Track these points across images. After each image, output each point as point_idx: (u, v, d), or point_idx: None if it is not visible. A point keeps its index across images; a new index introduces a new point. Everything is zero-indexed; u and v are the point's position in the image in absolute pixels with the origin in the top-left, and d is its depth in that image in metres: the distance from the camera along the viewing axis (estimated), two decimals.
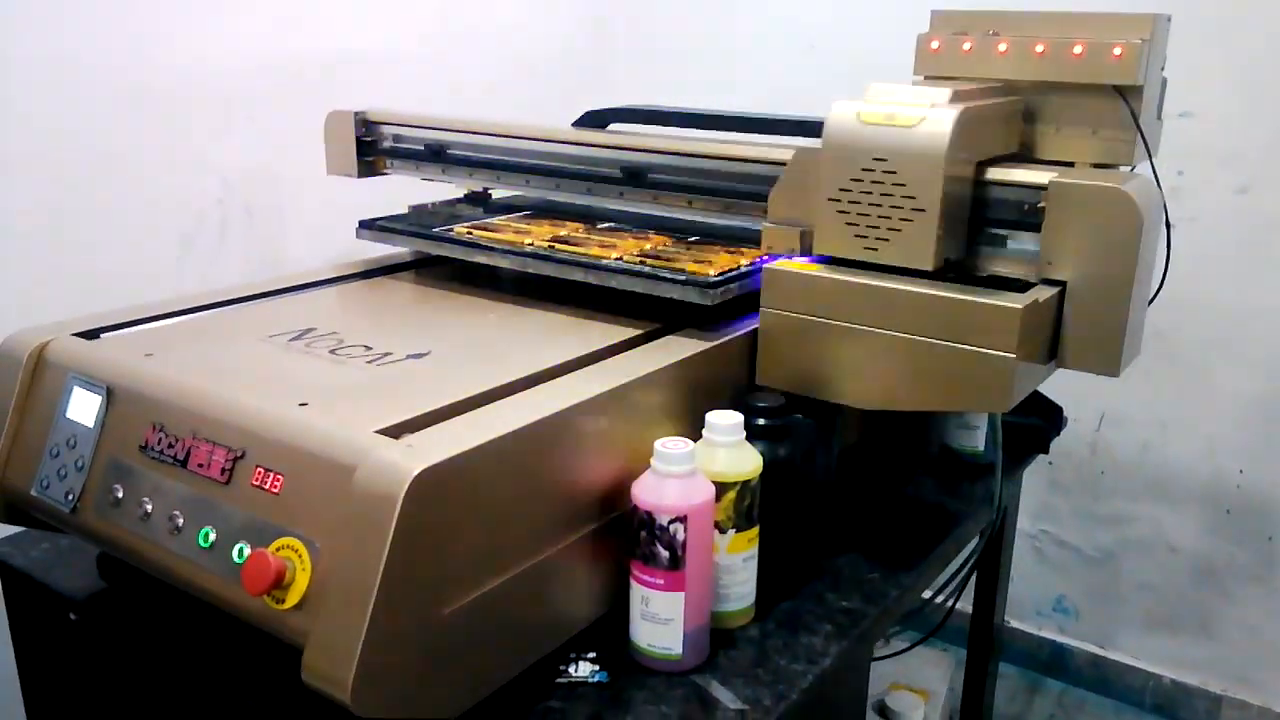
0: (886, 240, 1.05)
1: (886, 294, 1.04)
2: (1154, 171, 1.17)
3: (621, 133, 1.43)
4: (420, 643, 0.79)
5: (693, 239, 1.31)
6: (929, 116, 1.02)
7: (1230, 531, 1.93)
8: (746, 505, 1.01)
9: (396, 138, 1.56)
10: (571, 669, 0.97)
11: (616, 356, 1.06)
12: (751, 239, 1.28)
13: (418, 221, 1.39)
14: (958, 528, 1.28)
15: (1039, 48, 1.17)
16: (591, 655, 0.98)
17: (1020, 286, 1.06)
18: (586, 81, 2.36)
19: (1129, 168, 1.19)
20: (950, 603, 1.45)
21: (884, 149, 1.04)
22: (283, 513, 0.84)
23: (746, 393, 1.10)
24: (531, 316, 1.18)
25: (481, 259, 1.25)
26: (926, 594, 1.34)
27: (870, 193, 1.05)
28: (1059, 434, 1.56)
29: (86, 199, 1.55)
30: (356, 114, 1.55)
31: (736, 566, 1.03)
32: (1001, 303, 0.98)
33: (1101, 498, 2.05)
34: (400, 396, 0.91)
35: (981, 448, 1.42)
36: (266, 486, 0.85)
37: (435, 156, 1.51)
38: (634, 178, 1.38)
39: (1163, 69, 1.22)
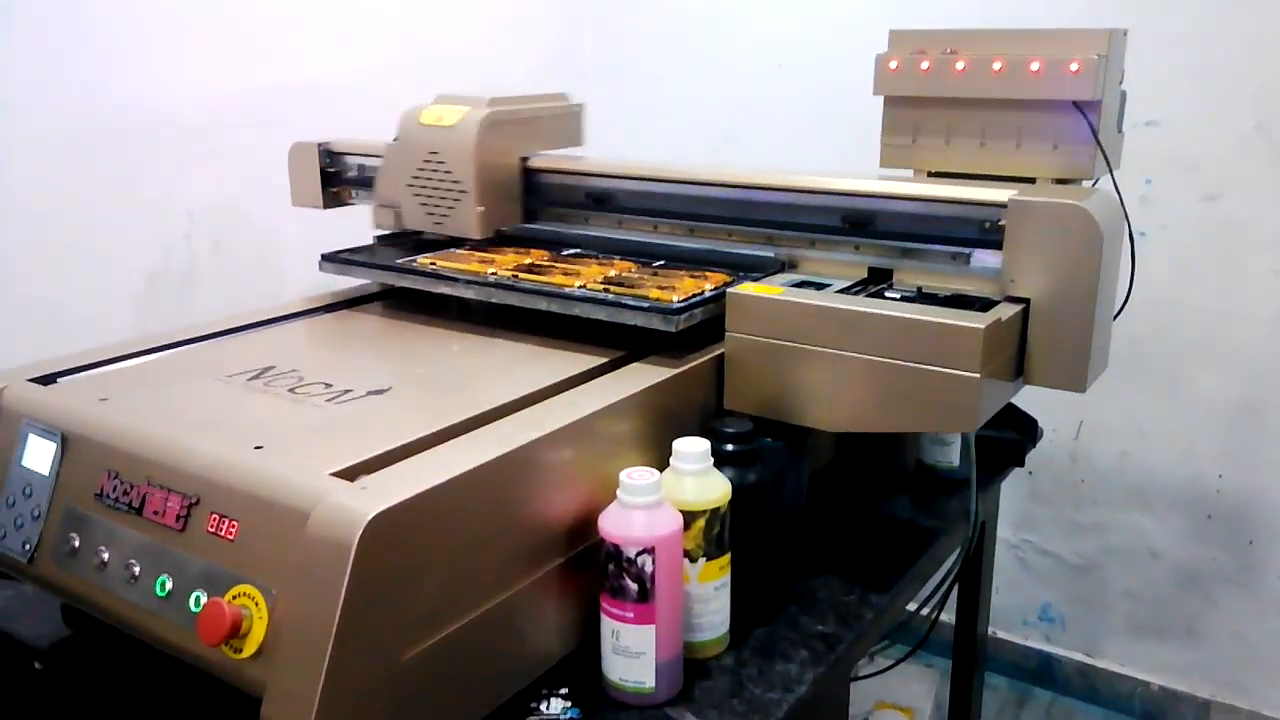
0: (448, 216, 1.36)
1: (849, 316, 1.04)
2: (1115, 185, 1.17)
3: (584, 159, 1.43)
4: (380, 690, 0.78)
5: (659, 264, 1.30)
6: (466, 118, 1.33)
7: (1212, 536, 1.93)
8: (716, 533, 1.00)
9: (361, 168, 1.55)
10: (543, 706, 0.95)
11: (581, 387, 1.05)
12: (719, 262, 1.28)
13: (381, 253, 1.38)
14: (933, 545, 1.28)
15: (996, 65, 1.17)
16: (564, 691, 0.97)
17: (984, 305, 1.06)
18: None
19: (1090, 181, 1.19)
20: (933, 617, 1.44)
21: (435, 144, 1.35)
22: (238, 560, 0.83)
23: (715, 418, 1.10)
24: (496, 347, 1.17)
25: (445, 289, 1.24)
26: (911, 607, 1.33)
27: (431, 178, 1.36)
28: (1034, 446, 1.55)
29: (49, 237, 1.54)
30: (320, 145, 1.55)
31: (709, 595, 1.02)
32: (963, 323, 0.97)
33: (1082, 506, 2.05)
34: (358, 436, 0.90)
35: (956, 463, 1.42)
36: (222, 533, 0.84)
37: None
38: (600, 203, 1.38)
39: (1121, 82, 1.23)
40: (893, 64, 1.23)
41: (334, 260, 1.35)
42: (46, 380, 1.07)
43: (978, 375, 0.97)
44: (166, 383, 1.06)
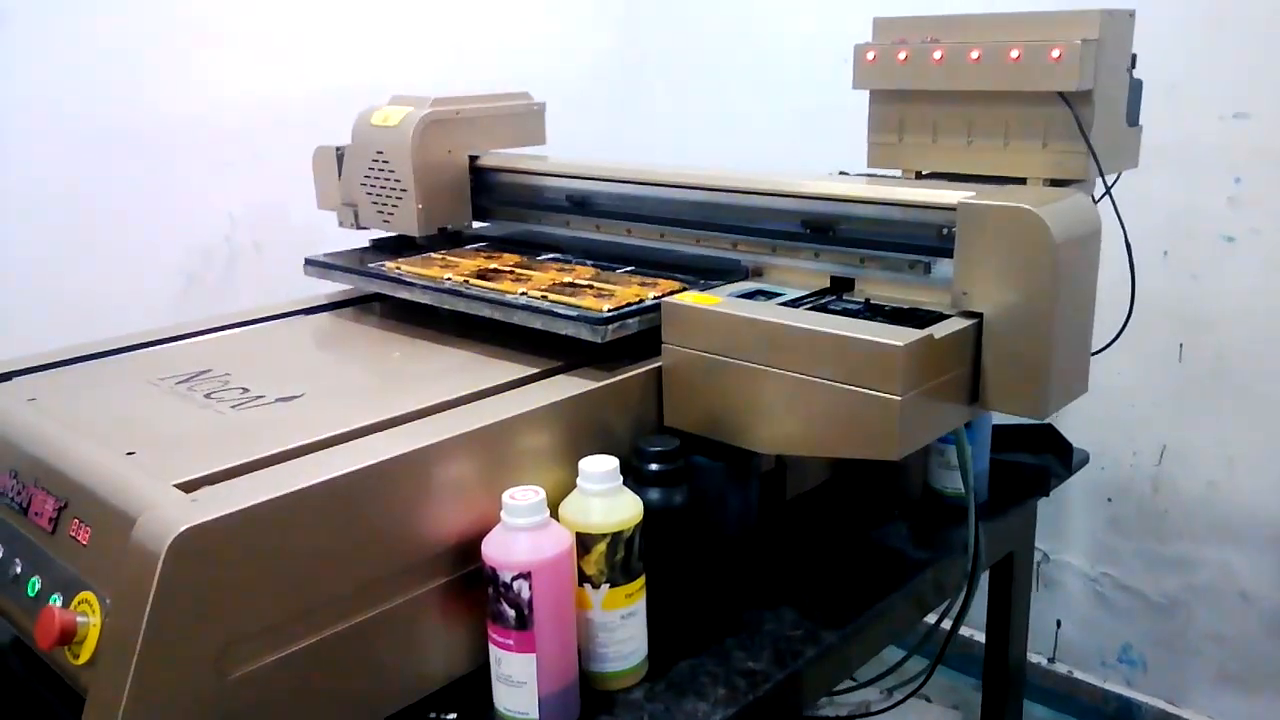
0: (393, 214, 1.38)
1: (775, 330, 0.96)
2: (1105, 185, 1.04)
3: (543, 159, 1.40)
4: (198, 706, 0.76)
5: (627, 268, 1.24)
6: (406, 118, 1.35)
7: None
8: (621, 558, 0.94)
9: None
10: None
11: (498, 396, 1.00)
12: (688, 268, 1.21)
13: (371, 256, 1.37)
14: (914, 579, 1.17)
15: (974, 54, 1.06)
16: (452, 716, 0.93)
17: (932, 320, 0.96)
18: (618, 101, 2.31)
19: (1088, 181, 1.07)
20: (934, 659, 1.33)
21: (380, 144, 1.37)
22: (88, 565, 0.82)
23: (650, 435, 1.03)
24: (438, 353, 1.15)
25: (403, 294, 1.22)
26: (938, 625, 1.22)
27: (378, 178, 1.39)
28: (1070, 474, 1.41)
29: (92, 237, 1.61)
30: (338, 149, 1.56)
31: (614, 624, 0.95)
32: (882, 339, 0.88)
33: (1166, 539, 1.85)
34: (233, 444, 0.89)
35: None
36: (79, 538, 0.84)
37: None
38: (579, 206, 1.34)
39: (1132, 69, 1.09)
40: (870, 55, 1.14)
41: (315, 264, 1.35)
42: (5, 377, 1.10)
43: (898, 398, 0.87)
44: (97, 385, 1.08)
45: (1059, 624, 2.03)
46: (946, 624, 1.26)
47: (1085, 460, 1.45)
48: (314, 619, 0.82)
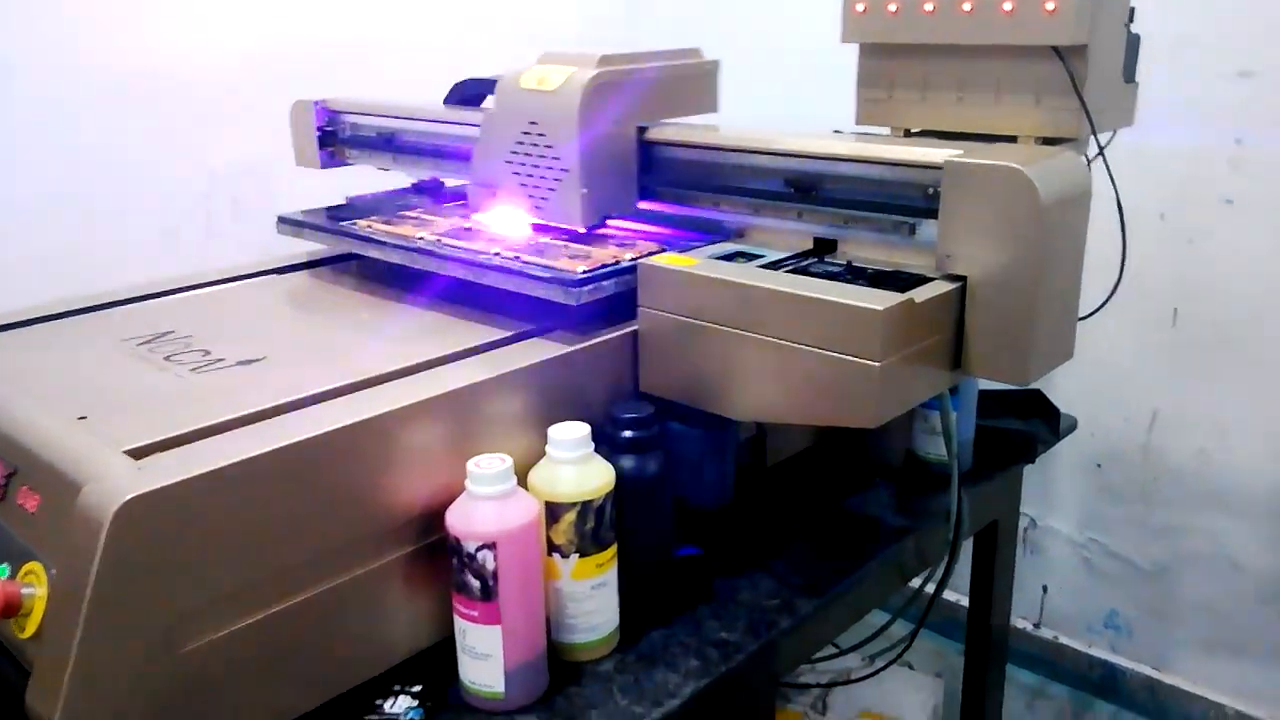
0: (547, 199, 1.12)
1: (753, 293, 0.92)
2: (1098, 144, 1.00)
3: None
4: (147, 682, 0.73)
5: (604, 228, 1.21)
6: (570, 80, 1.08)
7: None
8: (591, 527, 0.91)
9: (354, 126, 1.51)
10: (387, 704, 0.89)
11: (466, 360, 0.97)
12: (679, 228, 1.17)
13: (340, 215, 1.33)
14: (893, 546, 1.14)
15: (966, 5, 1.01)
16: (416, 689, 0.90)
17: (915, 283, 0.92)
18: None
19: (1082, 140, 1.03)
20: (914, 628, 1.31)
21: (534, 113, 1.11)
22: (35, 535, 0.79)
23: (624, 401, 1.00)
24: (409, 315, 1.11)
25: (373, 253, 1.18)
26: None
27: (530, 154, 1.12)
28: (1058, 440, 1.38)
29: (70, 189, 1.56)
30: (317, 103, 1.51)
31: (584, 594, 0.93)
32: (862, 303, 0.85)
33: (1155, 506, 1.83)
34: (190, 409, 0.85)
35: None
36: (28, 506, 0.81)
37: (386, 145, 1.45)
38: None
39: (1130, 22, 1.05)
40: (860, 6, 1.09)
41: (288, 222, 1.32)
42: None
43: (877, 364, 0.84)
44: (56, 346, 1.05)
45: (1045, 589, 2.02)
46: (931, 588, 1.24)
47: (1073, 426, 1.42)
48: (270, 591, 0.80)
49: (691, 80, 1.21)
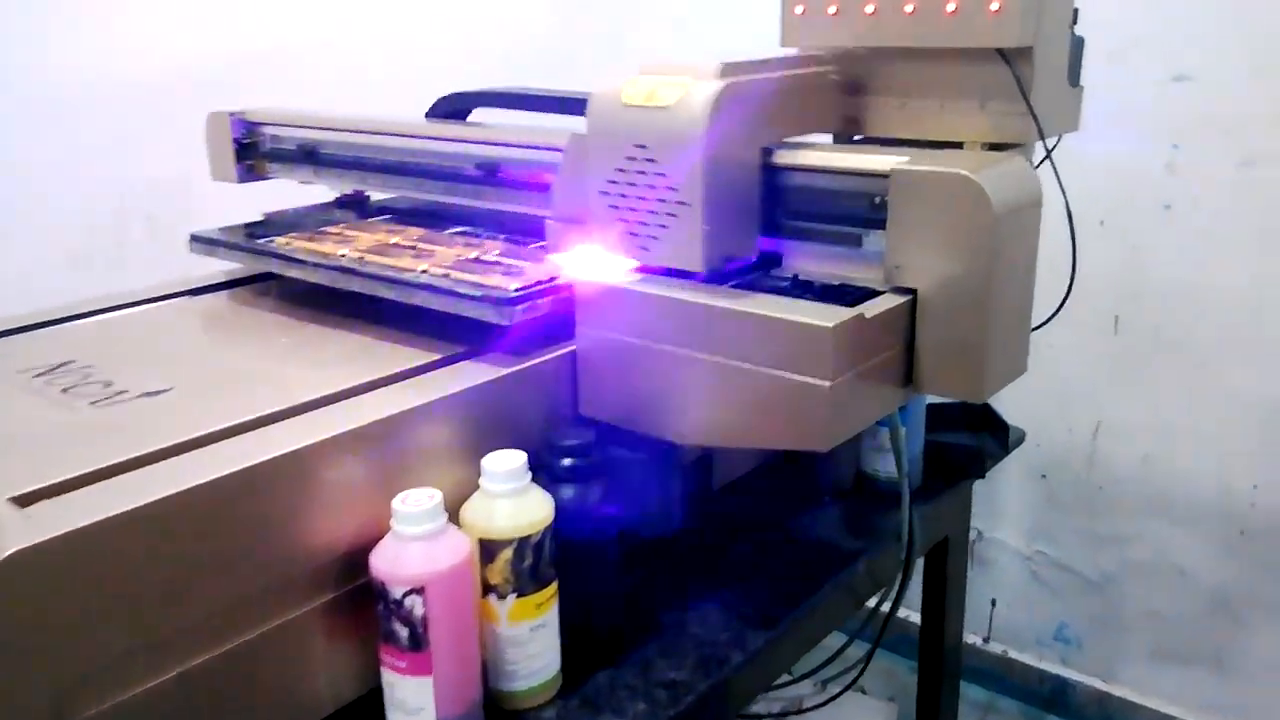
0: (656, 238, 0.92)
1: (695, 310, 0.87)
2: (1047, 150, 0.97)
3: (480, 123, 1.28)
4: None
5: (541, 243, 1.15)
6: (689, 93, 0.88)
7: (1245, 554, 1.69)
8: (529, 565, 0.85)
9: (274, 138, 1.44)
10: None
11: (391, 387, 0.91)
12: None
13: (257, 232, 1.26)
14: (846, 570, 1.10)
15: (908, 7, 0.98)
16: None
17: (864, 297, 0.88)
18: (557, 67, 2.20)
19: (1028, 145, 1.00)
20: (868, 652, 1.27)
21: (643, 134, 0.90)
22: None
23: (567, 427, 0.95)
24: (331, 339, 1.04)
25: (293, 273, 1.12)
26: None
27: (635, 184, 0.91)
28: (1007, 454, 1.35)
29: None
30: (233, 114, 1.44)
31: (523, 638, 0.87)
32: (810, 320, 0.80)
33: (1101, 515, 1.82)
34: (86, 449, 0.78)
35: None
36: None
37: (308, 158, 1.38)
38: (490, 175, 1.23)
39: (1074, 24, 1.02)
40: (799, 9, 1.05)
41: (201, 241, 1.24)
42: None
43: (827, 384, 0.80)
44: None
45: (994, 603, 1.99)
46: (885, 608, 1.20)
47: (1021, 439, 1.39)
48: (175, 649, 0.72)
49: (819, 93, 1.03)
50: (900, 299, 0.86)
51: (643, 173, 0.90)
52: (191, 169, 1.64)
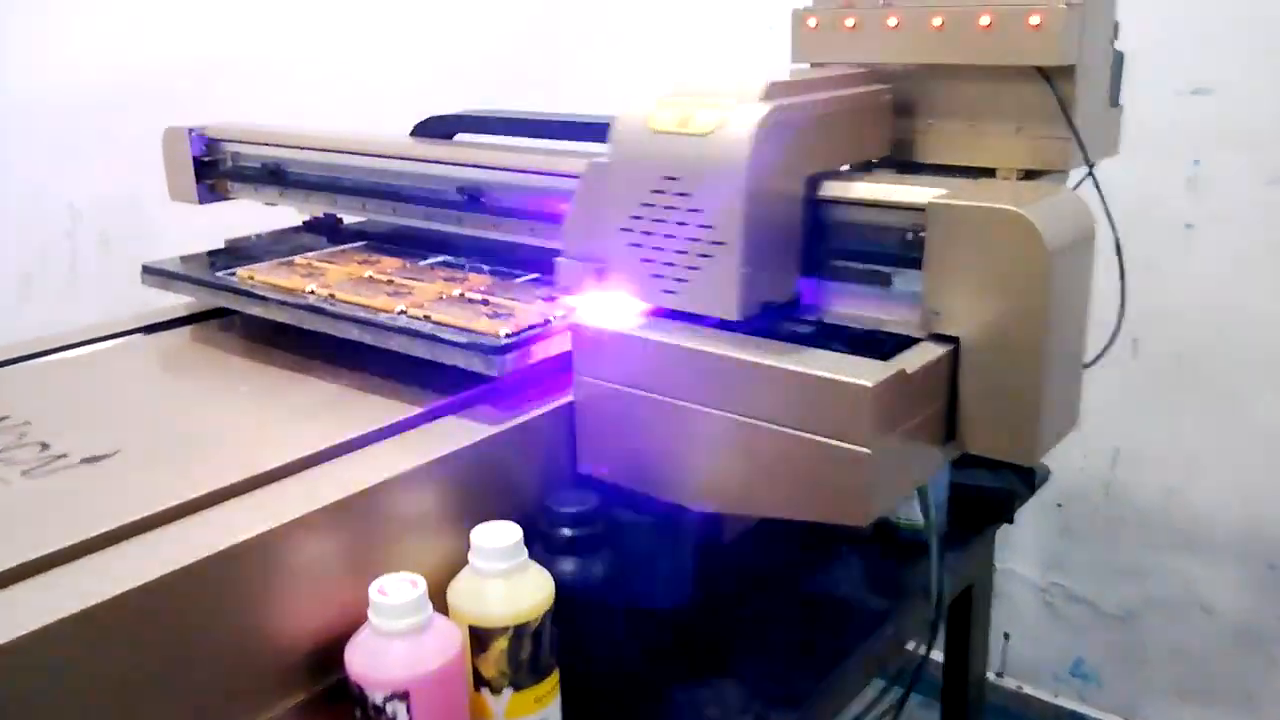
0: (685, 280, 0.80)
1: (708, 361, 0.77)
2: (1094, 180, 0.88)
3: (464, 144, 1.18)
4: None
5: (531, 276, 1.05)
6: (729, 119, 0.76)
7: (1275, 590, 1.60)
8: (528, 656, 0.75)
9: (237, 156, 1.33)
10: None
11: (367, 450, 0.81)
12: None
13: (218, 262, 1.15)
14: (875, 634, 1.01)
15: (936, 20, 0.88)
16: None
17: (899, 345, 0.78)
18: (534, 81, 2.10)
19: (1074, 173, 0.91)
20: (899, 700, 1.17)
21: (675, 164, 0.78)
22: None
23: (562, 490, 0.85)
24: (299, 387, 0.94)
25: (255, 310, 1.01)
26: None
27: (664, 220, 0.80)
28: (1033, 494, 1.26)
29: None
30: (192, 130, 1.33)
31: None
32: (847, 377, 0.70)
33: (1120, 548, 1.73)
34: (15, 533, 0.67)
35: (922, 520, 1.13)
36: None
37: (273, 178, 1.28)
38: (473, 200, 1.13)
39: (1115, 39, 0.93)
40: (812, 21, 0.96)
41: (154, 273, 1.13)
42: None
43: (866, 450, 0.70)
44: None
45: (1007, 636, 1.90)
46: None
47: (1047, 478, 1.30)
48: None
49: (873, 114, 0.92)
50: (941, 349, 0.77)
51: (673, 208, 0.79)
52: (146, 185, 1.54)
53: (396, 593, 0.69)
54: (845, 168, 0.90)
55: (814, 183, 0.84)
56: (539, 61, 2.10)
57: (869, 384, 0.69)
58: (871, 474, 0.70)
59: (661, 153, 0.79)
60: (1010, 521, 1.21)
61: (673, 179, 0.79)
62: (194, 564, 0.64)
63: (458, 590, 0.76)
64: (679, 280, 0.81)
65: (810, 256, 0.85)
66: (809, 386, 0.72)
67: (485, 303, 0.96)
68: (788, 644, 0.97)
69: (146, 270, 1.14)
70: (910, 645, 1.11)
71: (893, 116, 0.94)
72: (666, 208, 0.80)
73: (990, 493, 1.22)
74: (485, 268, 1.08)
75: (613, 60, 2.06)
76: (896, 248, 0.81)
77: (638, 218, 0.82)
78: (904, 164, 0.98)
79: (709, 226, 0.77)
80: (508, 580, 0.75)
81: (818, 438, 0.72)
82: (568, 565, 0.80)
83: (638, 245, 0.82)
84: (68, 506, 0.72)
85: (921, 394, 0.75)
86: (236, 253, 1.20)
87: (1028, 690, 1.90)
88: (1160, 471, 1.66)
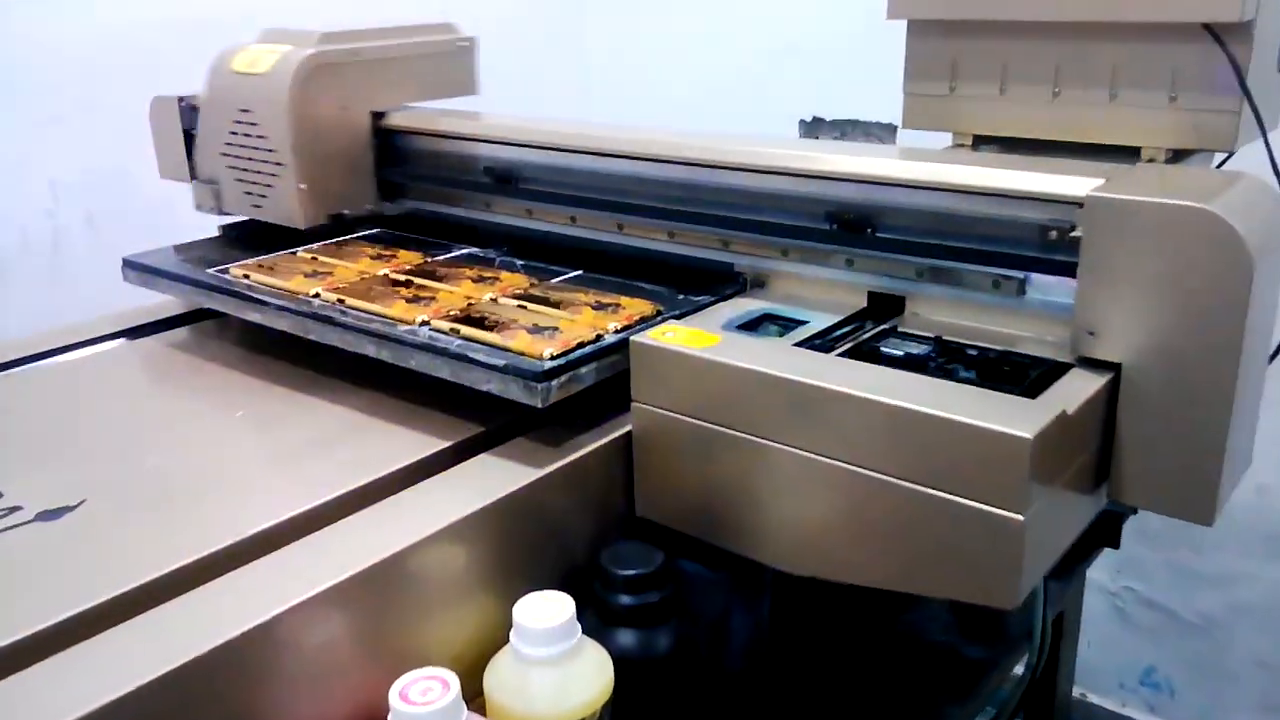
0: (265, 196, 1.00)
1: (808, 393, 0.62)
2: (1273, 161, 0.72)
3: (487, 121, 1.03)
4: None
5: (573, 274, 0.90)
6: (279, 62, 0.97)
7: None
8: None
9: None
10: None
11: (385, 503, 0.66)
12: (658, 273, 0.87)
13: (210, 255, 1.00)
14: (978, 689, 0.87)
15: None
16: None
17: (1042, 374, 0.63)
18: (541, 48, 1.92)
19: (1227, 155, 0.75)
20: None
21: (245, 99, 0.99)
22: None
23: (617, 543, 0.70)
24: (304, 411, 0.79)
25: (251, 316, 0.86)
26: None
27: (245, 145, 1.01)
28: (1135, 512, 1.11)
29: None
30: (182, 99, 1.17)
31: None
32: (997, 426, 0.55)
33: (1204, 551, 1.59)
34: None
35: None
36: None
37: None
38: (503, 183, 0.98)
39: None
40: None
41: (136, 267, 0.98)
42: None
43: (1021, 517, 0.55)
44: None
45: None
46: None
47: None
48: None
49: (437, 59, 1.09)
50: (1099, 379, 0.61)
51: (249, 135, 0.99)
52: (136, 157, 1.39)
53: (423, 695, 0.55)
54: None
55: (379, 115, 1.04)
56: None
57: (1028, 435, 0.54)
58: (1025, 545, 0.55)
59: (237, 89, 1.00)
60: (1116, 546, 1.06)
61: (245, 110, 0.99)
62: (164, 675, 0.50)
63: (499, 678, 0.61)
64: (261, 196, 1.00)
65: (384, 179, 1.05)
66: (942, 432, 0.56)
67: (523, 308, 0.80)
68: (882, 704, 0.83)
69: (127, 264, 0.99)
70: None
71: (472, 62, 1.10)
72: (245, 135, 1.00)
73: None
74: (518, 263, 0.93)
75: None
76: (1035, 249, 0.66)
77: (230, 144, 1.02)
78: (1013, 141, 0.83)
79: (272, 150, 0.97)
80: (558, 669, 0.61)
81: (954, 498, 0.57)
82: (627, 639, 0.66)
83: (233, 167, 1.02)
84: (18, 585, 0.58)
85: (1078, 438, 0.60)
86: (232, 242, 1.05)
87: (1092, 698, 1.76)
88: (1252, 470, 1.50)
